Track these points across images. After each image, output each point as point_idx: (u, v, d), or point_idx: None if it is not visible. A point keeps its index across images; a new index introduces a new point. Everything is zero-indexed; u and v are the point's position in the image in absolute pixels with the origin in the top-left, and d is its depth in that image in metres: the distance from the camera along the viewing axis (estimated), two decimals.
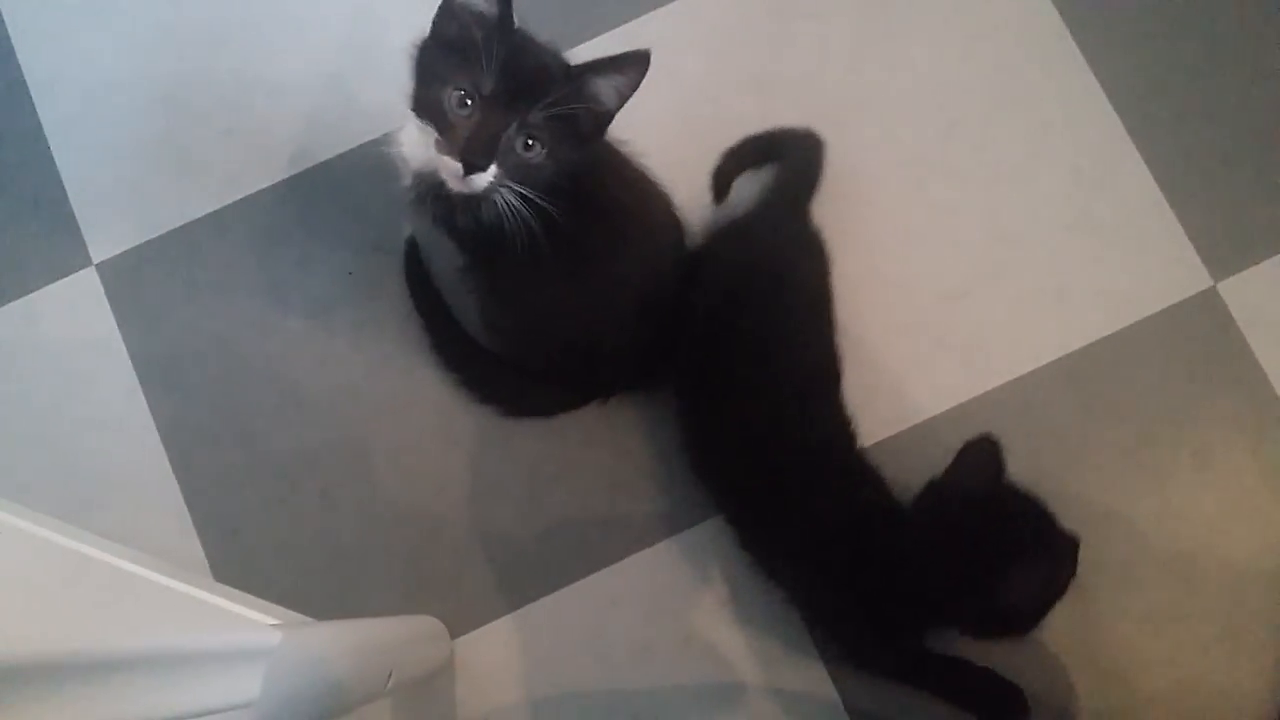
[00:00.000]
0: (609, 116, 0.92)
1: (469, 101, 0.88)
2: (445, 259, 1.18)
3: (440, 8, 0.91)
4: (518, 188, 0.90)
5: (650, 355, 1.14)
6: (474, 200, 0.93)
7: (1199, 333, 1.20)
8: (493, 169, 0.89)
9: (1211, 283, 1.21)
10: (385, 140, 0.99)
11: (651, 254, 1.09)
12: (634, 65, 0.89)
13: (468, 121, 0.89)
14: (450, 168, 0.89)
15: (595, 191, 0.97)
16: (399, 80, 0.93)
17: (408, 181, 0.99)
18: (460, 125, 0.89)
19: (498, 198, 0.91)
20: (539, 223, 0.91)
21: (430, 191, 0.96)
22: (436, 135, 0.90)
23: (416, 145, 0.95)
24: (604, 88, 0.90)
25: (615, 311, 1.08)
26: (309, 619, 1.12)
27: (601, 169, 1.00)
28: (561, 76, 0.90)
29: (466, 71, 0.88)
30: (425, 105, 0.91)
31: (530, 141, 0.89)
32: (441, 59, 0.90)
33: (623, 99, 0.91)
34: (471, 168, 0.88)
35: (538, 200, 0.90)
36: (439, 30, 0.92)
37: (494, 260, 1.02)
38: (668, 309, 1.10)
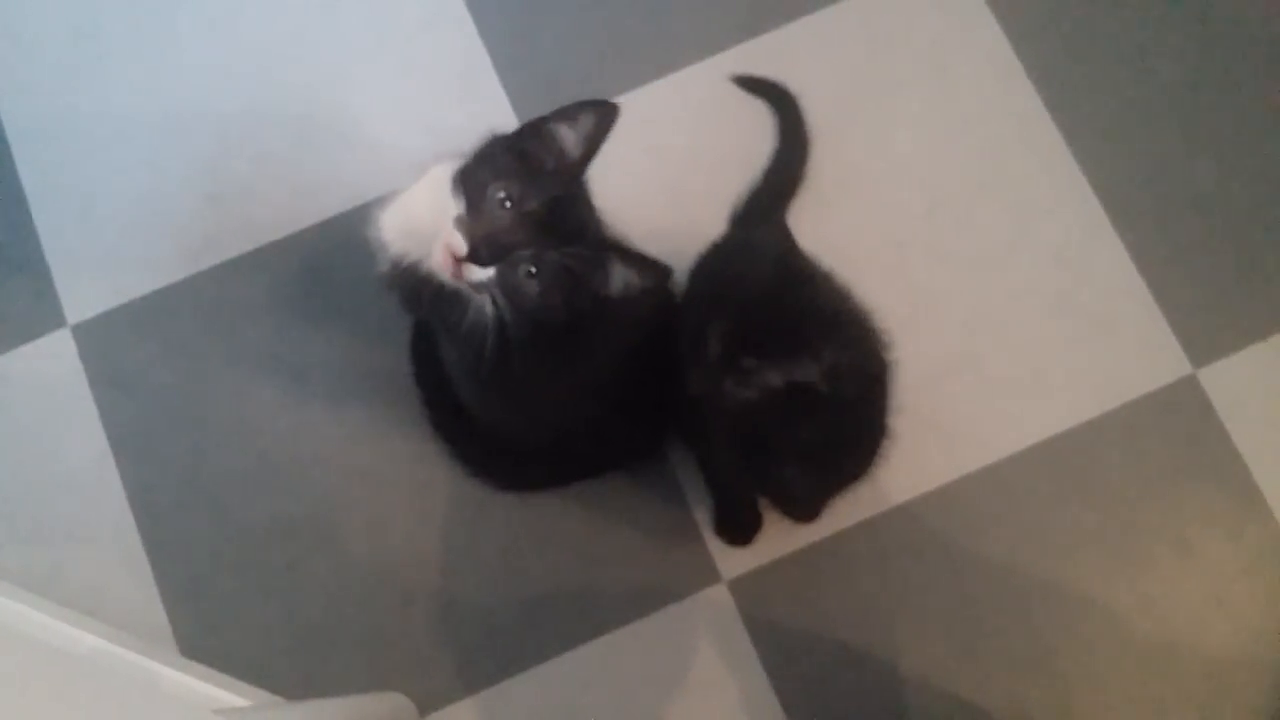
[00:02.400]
0: (604, 298, 0.92)
1: (508, 204, 0.88)
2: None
3: (533, 122, 0.91)
4: (497, 305, 0.90)
5: (640, 429, 1.14)
6: (450, 295, 0.92)
7: (1179, 420, 1.20)
8: (490, 273, 0.88)
9: (1192, 370, 1.21)
10: (365, 219, 0.98)
11: (631, 326, 1.09)
12: (653, 271, 0.90)
13: (496, 219, 0.88)
14: (454, 245, 0.88)
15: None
16: (380, 148, 0.94)
17: (384, 266, 0.98)
18: (488, 217, 0.88)
19: (476, 306, 0.91)
20: (502, 337, 0.91)
21: (403, 278, 0.95)
22: (461, 212, 0.89)
23: (398, 229, 0.95)
24: (617, 274, 0.91)
25: (598, 390, 1.07)
26: (277, 698, 1.10)
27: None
28: (593, 242, 0.91)
29: (525, 181, 0.88)
30: (470, 181, 0.90)
31: (533, 272, 0.89)
32: (511, 157, 0.90)
33: (627, 290, 0.91)
34: (475, 257, 0.87)
35: (509, 326, 0.91)
36: (521, 139, 0.92)
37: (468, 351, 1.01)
38: (656, 374, 1.08)
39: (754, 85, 1.28)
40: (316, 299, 1.25)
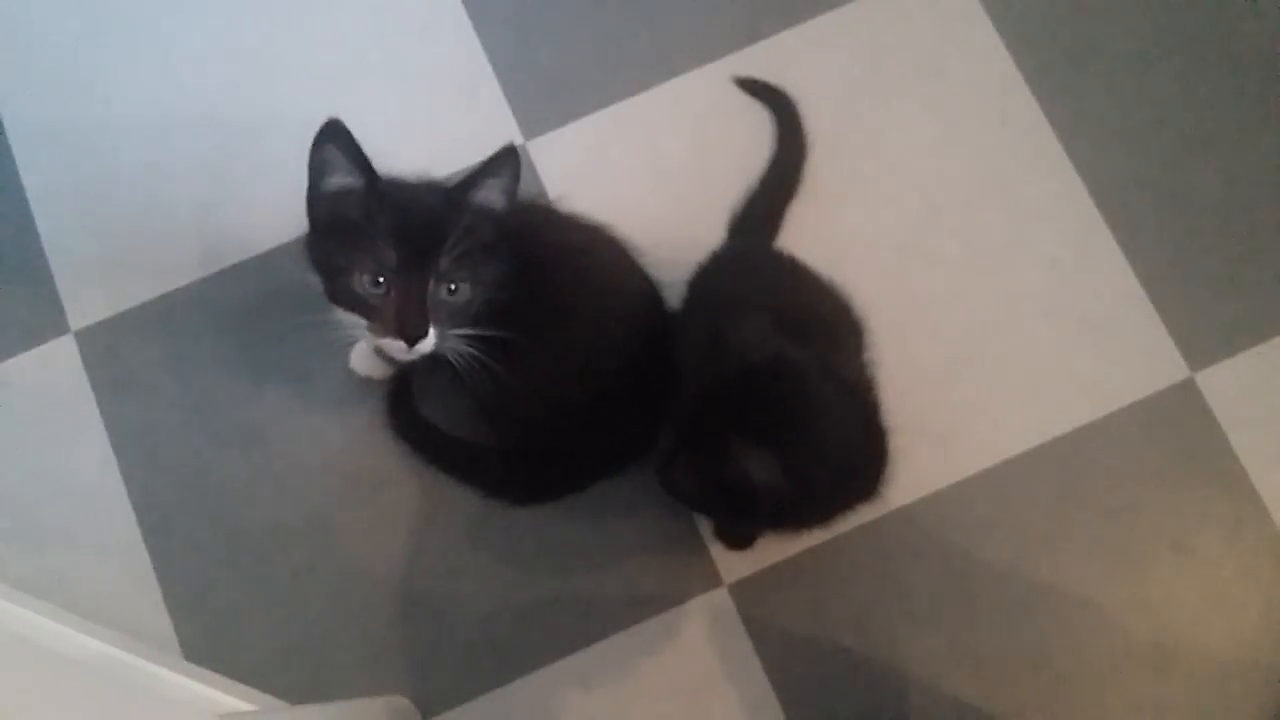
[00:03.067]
0: (504, 216, 0.93)
1: (380, 280, 0.88)
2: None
3: (308, 200, 0.92)
4: (461, 331, 0.91)
5: (641, 425, 1.14)
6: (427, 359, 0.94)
7: (1177, 423, 1.21)
8: (432, 332, 0.89)
9: (1189, 373, 1.22)
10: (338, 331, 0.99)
11: (623, 309, 1.10)
12: (506, 161, 0.90)
13: (389, 299, 0.89)
14: (393, 347, 0.90)
15: (544, 269, 0.98)
16: (382, 155, 0.94)
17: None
18: (384, 305, 0.89)
19: (447, 352, 0.93)
20: (493, 350, 0.93)
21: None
22: (367, 323, 0.91)
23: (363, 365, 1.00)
24: (489, 194, 0.91)
25: (599, 379, 1.08)
26: (280, 702, 1.11)
27: (542, 244, 1.01)
28: (447, 207, 0.90)
29: (363, 252, 0.88)
30: (342, 297, 0.91)
31: (454, 287, 0.89)
32: (334, 248, 0.91)
33: (511, 195, 0.92)
34: (413, 340, 0.88)
35: (483, 334, 0.92)
36: (316, 220, 0.93)
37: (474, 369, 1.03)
38: (653, 374, 1.09)
39: (754, 88, 1.29)
40: (319, 306, 1.25)
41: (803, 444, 0.89)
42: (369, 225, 0.87)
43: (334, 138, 0.89)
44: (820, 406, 0.92)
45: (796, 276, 1.13)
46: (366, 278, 0.88)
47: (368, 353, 1.17)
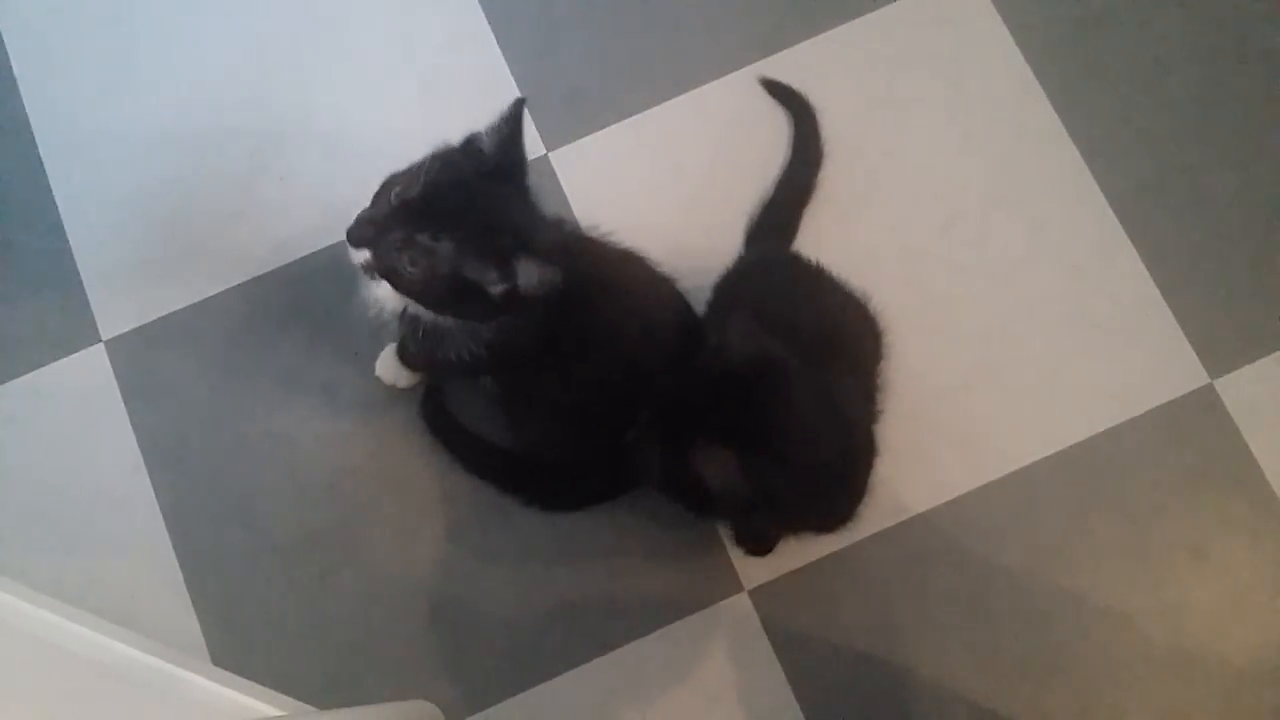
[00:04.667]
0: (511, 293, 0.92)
1: (394, 197, 0.92)
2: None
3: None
4: (403, 300, 0.95)
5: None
6: (417, 326, 0.98)
7: (1196, 429, 1.21)
8: (365, 254, 0.93)
9: (1208, 380, 1.22)
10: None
11: (651, 333, 1.10)
12: (553, 266, 0.90)
13: (379, 208, 0.93)
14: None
15: (580, 287, 0.98)
16: (407, 164, 0.96)
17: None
18: (377, 209, 0.94)
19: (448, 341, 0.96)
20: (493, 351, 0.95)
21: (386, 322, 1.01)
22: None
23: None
24: (524, 269, 0.90)
25: (624, 392, 1.09)
26: (309, 708, 1.12)
27: (583, 265, 1.01)
28: (486, 233, 0.91)
29: (420, 176, 0.92)
30: (387, 183, 0.95)
31: (407, 256, 0.91)
32: (428, 163, 0.94)
33: (540, 285, 0.90)
34: (350, 238, 0.93)
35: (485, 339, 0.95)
36: (448, 153, 0.95)
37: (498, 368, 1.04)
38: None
39: (778, 90, 1.30)
40: (345, 314, 1.26)
41: (770, 448, 0.89)
42: (431, 164, 0.92)
43: (512, 109, 0.95)
44: (796, 412, 0.91)
45: (817, 282, 1.14)
46: (401, 186, 0.92)
47: (393, 361, 1.19)
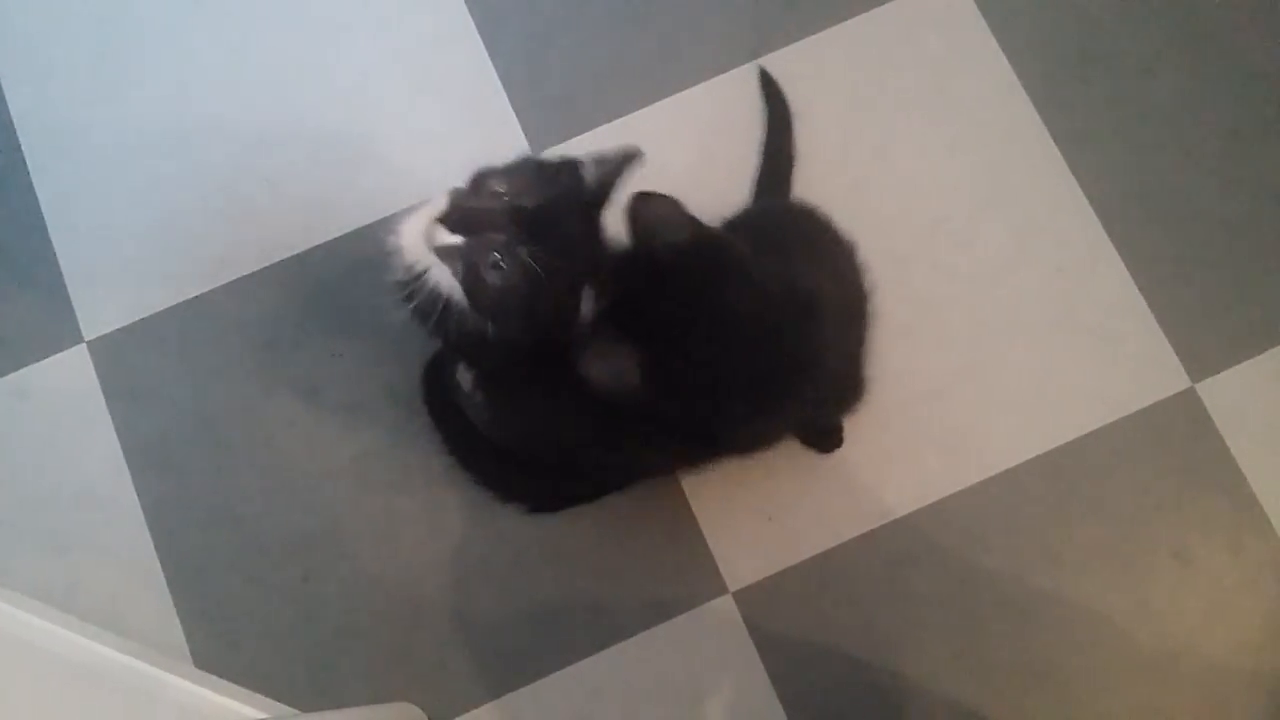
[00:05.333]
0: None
1: (503, 195, 0.89)
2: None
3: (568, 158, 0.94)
4: (454, 296, 0.91)
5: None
6: (456, 310, 0.93)
7: (1178, 433, 1.22)
8: (456, 240, 0.88)
9: (1190, 383, 1.23)
10: (378, 235, 0.99)
11: None
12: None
13: (484, 200, 0.89)
14: (436, 207, 0.89)
15: None
16: (392, 167, 0.95)
17: (399, 275, 0.99)
18: (478, 198, 0.90)
19: (438, 277, 0.92)
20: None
21: (415, 287, 0.96)
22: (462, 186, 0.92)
23: (414, 237, 0.96)
24: (588, 299, 0.90)
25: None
26: (292, 710, 1.12)
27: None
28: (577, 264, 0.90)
29: (526, 186, 0.89)
30: (481, 176, 0.92)
31: (500, 263, 0.87)
32: (530, 169, 0.92)
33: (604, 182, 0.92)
34: (447, 220, 0.88)
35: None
36: (549, 165, 0.94)
37: (485, 364, 1.03)
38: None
39: (770, 88, 1.30)
40: (330, 315, 1.27)
41: (685, 350, 0.82)
42: (539, 173, 0.92)
43: (625, 155, 0.93)
44: (726, 313, 0.83)
45: (812, 223, 1.15)
46: (507, 185, 0.90)
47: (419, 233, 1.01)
